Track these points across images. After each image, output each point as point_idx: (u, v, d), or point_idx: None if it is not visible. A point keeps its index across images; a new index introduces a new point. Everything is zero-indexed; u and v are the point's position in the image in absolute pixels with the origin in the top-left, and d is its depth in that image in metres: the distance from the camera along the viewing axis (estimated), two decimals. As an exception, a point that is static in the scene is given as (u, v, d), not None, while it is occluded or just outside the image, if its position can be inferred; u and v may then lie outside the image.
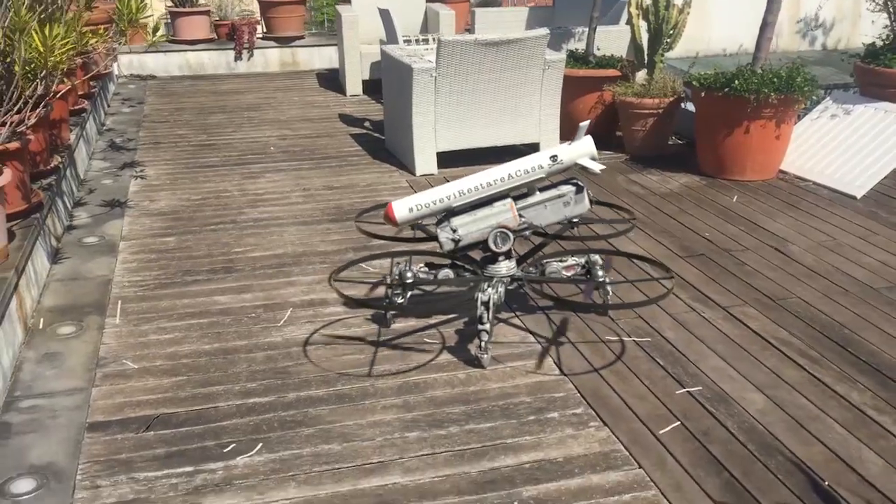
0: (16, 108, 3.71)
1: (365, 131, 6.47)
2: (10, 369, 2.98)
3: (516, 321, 3.38)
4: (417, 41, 6.82)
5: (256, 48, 8.75)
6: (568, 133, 5.77)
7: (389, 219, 3.14)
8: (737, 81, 4.82)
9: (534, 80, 5.35)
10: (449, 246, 3.15)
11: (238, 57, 8.69)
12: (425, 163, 5.32)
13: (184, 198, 4.95)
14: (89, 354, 3.13)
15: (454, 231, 3.13)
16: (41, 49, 3.33)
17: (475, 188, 3.13)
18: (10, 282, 3.16)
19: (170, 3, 8.71)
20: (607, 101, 5.71)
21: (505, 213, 3.14)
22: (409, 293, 3.22)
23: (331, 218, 4.59)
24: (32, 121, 3.79)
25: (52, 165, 4.53)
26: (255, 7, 9.00)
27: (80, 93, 5.99)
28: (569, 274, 3.30)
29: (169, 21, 8.75)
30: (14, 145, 3.66)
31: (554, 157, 3.15)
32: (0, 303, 2.99)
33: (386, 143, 5.96)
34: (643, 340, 3.20)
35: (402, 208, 3.12)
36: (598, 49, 5.98)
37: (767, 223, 4.43)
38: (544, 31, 5.29)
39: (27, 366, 3.05)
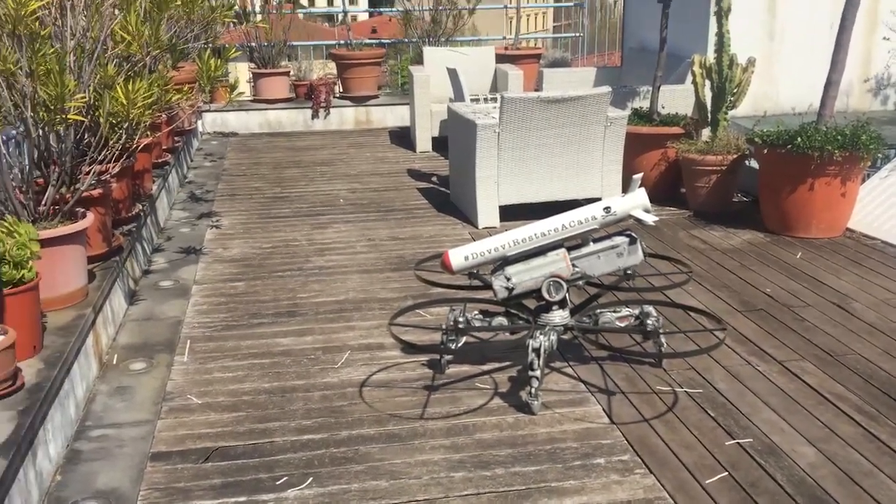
0: (101, 158, 3.97)
1: (431, 186, 6.64)
2: (83, 401, 3.16)
3: (569, 370, 3.42)
4: (485, 99, 7.00)
5: (333, 107, 9.08)
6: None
7: (446, 266, 3.24)
8: (800, 139, 4.81)
9: (596, 136, 5.43)
10: (503, 294, 3.22)
11: (315, 115, 9.03)
12: (488, 216, 5.43)
13: (255, 246, 5.16)
14: (157, 389, 3.29)
15: (508, 279, 3.20)
16: (124, 102, 3.58)
17: (529, 238, 3.21)
18: (87, 319, 3.36)
19: (253, 65, 9.16)
20: (671, 158, 5.75)
21: (558, 262, 3.20)
22: (463, 339, 3.31)
23: (393, 267, 4.72)
24: (116, 170, 4.04)
25: (133, 213, 4.80)
26: (333, 68, 9.38)
27: (164, 146, 6.33)
28: (622, 325, 3.34)
29: (252, 82, 9.20)
30: (97, 192, 3.92)
31: (607, 209, 3.21)
32: (77, 339, 3.18)
33: (451, 197, 6.10)
34: (695, 392, 3.19)
35: (458, 256, 3.22)
36: (663, 107, 6.05)
37: (831, 280, 4.36)
38: (606, 88, 5.39)
39: (99, 398, 3.22)
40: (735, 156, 5.43)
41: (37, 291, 3.03)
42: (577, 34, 10.78)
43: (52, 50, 3.28)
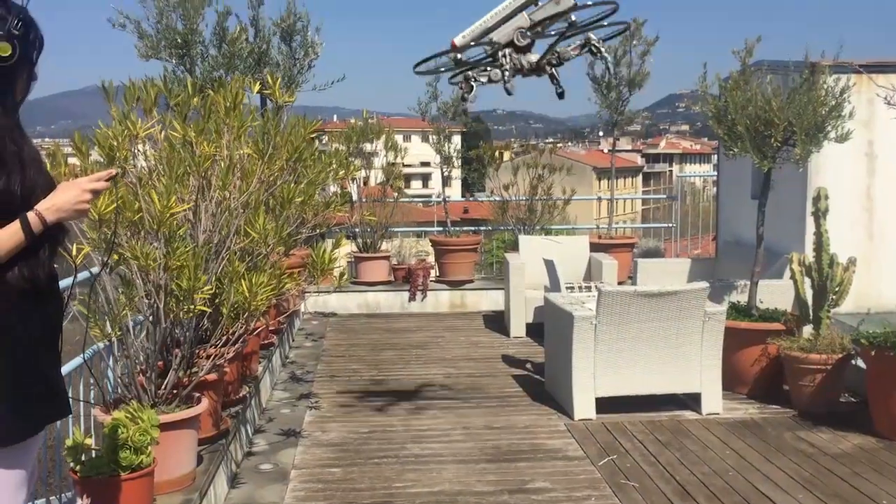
0: (218, 344, 4.20)
1: (526, 373, 6.67)
2: (183, 588, 3.19)
3: None
4: (580, 288, 7.13)
5: (429, 290, 9.37)
6: (731, 383, 5.73)
7: (453, 46, 4.22)
8: (909, 340, 4.69)
9: (694, 331, 5.43)
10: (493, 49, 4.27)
11: (412, 298, 9.32)
12: (584, 407, 5.40)
13: (352, 430, 5.24)
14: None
15: (492, 39, 4.23)
16: (247, 295, 3.84)
17: (503, 8, 4.23)
18: None
19: (355, 249, 9.61)
20: (772, 354, 5.67)
21: (519, 20, 4.22)
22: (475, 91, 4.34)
23: (488, 458, 4.70)
24: (230, 355, 4.26)
25: (240, 395, 4.98)
26: (425, 244, 9.76)
27: (270, 328, 6.62)
28: (575, 53, 4.39)
29: (352, 263, 9.63)
30: (212, 377, 4.12)
31: None
32: (184, 522, 3.26)
33: (546, 386, 6.11)
34: None
35: (458, 38, 4.22)
36: (761, 302, 6.03)
37: (954, 494, 4.11)
38: (704, 284, 5.44)
39: (199, 586, 3.25)
40: (840, 355, 5.31)
41: (152, 477, 3.16)
42: (670, 224, 10.96)
43: (187, 248, 3.58)
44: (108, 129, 3.83)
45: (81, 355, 3.60)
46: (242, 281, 3.81)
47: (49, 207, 2.18)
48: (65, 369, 3.65)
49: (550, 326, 6.06)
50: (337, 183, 7.10)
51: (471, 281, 9.52)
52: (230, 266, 3.90)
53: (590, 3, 4.20)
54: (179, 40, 7.17)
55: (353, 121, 10.04)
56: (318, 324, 8.78)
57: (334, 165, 6.12)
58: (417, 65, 4.49)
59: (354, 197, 9.53)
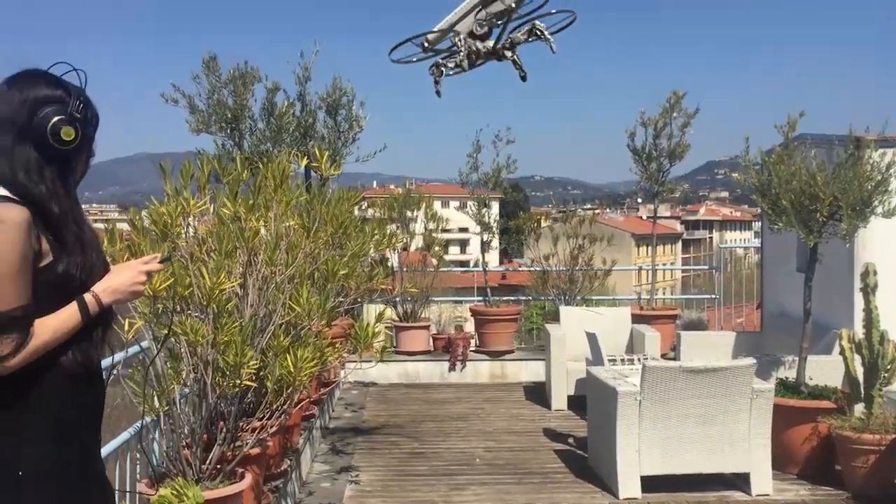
0: (262, 417, 4.22)
1: (568, 447, 6.56)
2: None
3: None
4: (623, 361, 7.05)
5: (469, 360, 9.32)
6: (780, 463, 5.58)
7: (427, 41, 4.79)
8: (967, 422, 4.55)
9: (742, 408, 5.32)
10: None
11: (452, 368, 9.28)
12: (629, 486, 5.28)
13: (393, 506, 5.18)
14: None
15: (458, 31, 4.67)
16: (292, 369, 3.86)
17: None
18: (236, 581, 3.42)
19: (394, 317, 9.64)
20: (822, 433, 5.52)
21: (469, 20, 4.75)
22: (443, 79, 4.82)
23: (532, 539, 4.60)
24: (274, 428, 4.26)
25: (282, 468, 4.97)
26: (463, 311, 9.74)
27: (311, 399, 6.62)
28: (524, 37, 4.79)
29: (392, 332, 9.64)
30: (255, 451, 4.12)
31: None
32: None
33: (589, 461, 6.00)
34: None
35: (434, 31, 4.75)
36: (810, 379, 5.90)
37: None
38: (751, 360, 5.35)
39: None
40: (894, 435, 5.16)
41: (196, 554, 3.14)
42: (714, 296, 10.84)
43: (235, 323, 3.63)
44: (161, 205, 3.93)
45: (129, 430, 3.63)
46: (287, 356, 3.84)
47: (105, 289, 2.20)
48: (113, 443, 3.70)
49: (593, 401, 5.98)
50: (378, 252, 7.17)
51: (511, 351, 9.46)
52: (275, 340, 3.94)
53: (553, 11, 4.84)
54: (229, 115, 7.39)
55: (393, 187, 10.21)
56: (357, 393, 8.76)
57: (377, 237, 6.19)
58: (392, 51, 4.98)
59: (393, 263, 9.61)
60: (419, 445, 6.67)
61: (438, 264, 9.72)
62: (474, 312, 9.62)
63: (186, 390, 4.12)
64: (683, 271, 33.23)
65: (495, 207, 12.38)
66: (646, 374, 5.28)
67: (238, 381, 3.69)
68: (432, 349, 9.57)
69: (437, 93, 4.96)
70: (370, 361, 4.86)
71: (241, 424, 4.19)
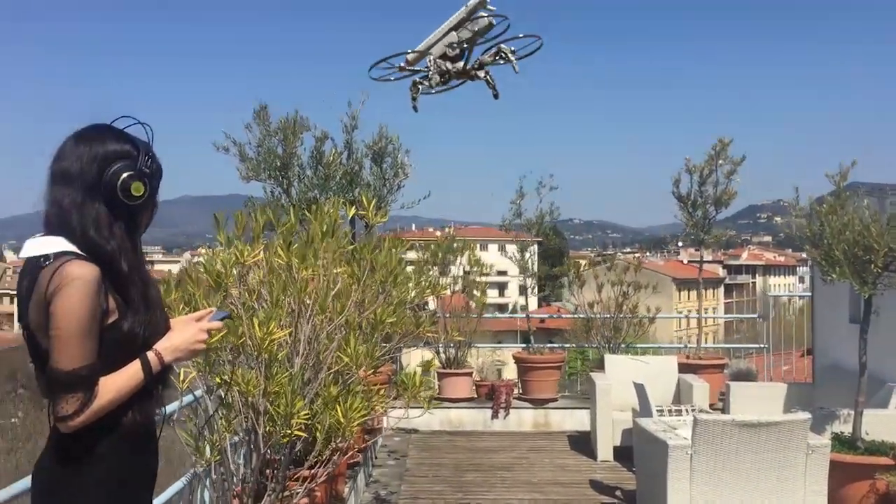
0: (311, 466, 4.21)
1: (616, 501, 6.44)
2: None
3: None
4: (670, 411, 6.93)
5: (512, 408, 9.24)
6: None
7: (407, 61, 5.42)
8: None
9: (797, 464, 5.18)
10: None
11: (495, 415, 9.20)
12: (680, 543, 5.15)
13: (438, 559, 5.11)
14: None
15: (431, 55, 5.26)
16: (341, 419, 3.86)
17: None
18: None
19: (438, 364, 9.60)
20: (881, 491, 5.35)
21: (451, 37, 5.28)
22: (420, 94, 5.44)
23: None
24: (322, 478, 4.25)
25: (328, 518, 4.94)
26: (501, 354, 9.68)
27: (356, 447, 6.60)
28: (491, 58, 5.33)
29: (434, 379, 9.60)
30: (304, 501, 4.11)
31: None
32: None
33: (638, 517, 5.88)
34: None
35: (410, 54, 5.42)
36: (867, 433, 5.74)
37: None
38: (806, 415, 5.23)
39: None
40: (958, 495, 4.98)
41: None
42: (762, 345, 10.64)
43: (285, 373, 3.65)
44: (216, 254, 4.00)
45: (182, 479, 3.65)
46: (338, 406, 3.85)
47: (167, 348, 2.19)
48: (165, 494, 3.71)
49: (641, 453, 5.87)
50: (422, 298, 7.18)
51: (554, 399, 9.36)
52: (325, 390, 3.94)
53: (520, 35, 5.33)
54: (279, 163, 7.52)
55: (431, 230, 10.26)
56: (400, 440, 8.71)
57: (423, 284, 6.21)
58: (371, 68, 5.51)
59: (432, 306, 9.59)
60: (463, 496, 6.59)
61: (481, 310, 9.69)
62: (517, 359, 9.55)
63: (236, 439, 4.15)
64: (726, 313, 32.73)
65: (534, 250, 12.35)
66: (697, 428, 5.18)
67: (289, 431, 3.70)
68: (475, 396, 9.50)
69: (414, 108, 5.45)
70: (419, 409, 4.84)
71: (288, 473, 4.19)
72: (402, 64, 5.37)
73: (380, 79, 5.48)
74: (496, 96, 5.44)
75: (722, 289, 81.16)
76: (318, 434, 4.06)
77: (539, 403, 9.31)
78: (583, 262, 12.61)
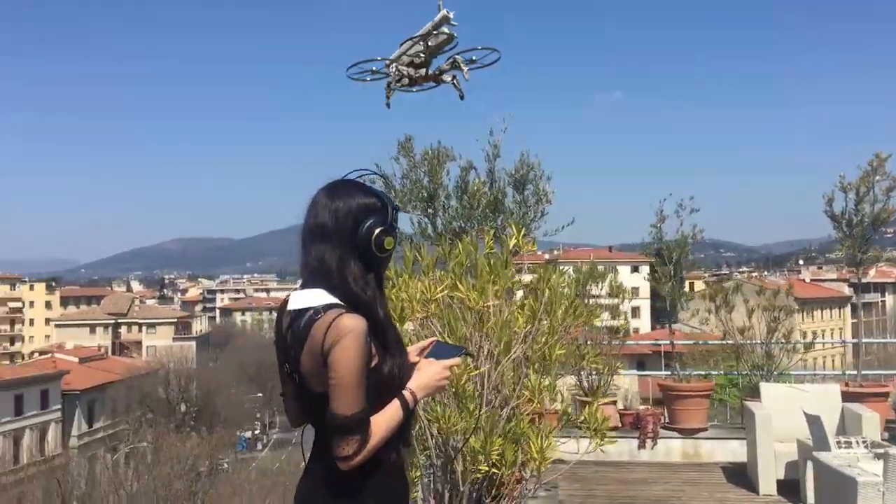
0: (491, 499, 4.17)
1: (789, 539, 6.12)
2: None
3: None
4: (839, 444, 6.56)
5: (659, 437, 8.97)
6: None
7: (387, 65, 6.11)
8: None
9: None
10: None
11: (641, 445, 8.95)
12: (876, 587, 4.84)
13: None
14: None
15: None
16: (535, 454, 3.82)
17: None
18: None
19: (578, 393, 9.44)
20: None
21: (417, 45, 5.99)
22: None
23: None
24: (506, 514, 4.20)
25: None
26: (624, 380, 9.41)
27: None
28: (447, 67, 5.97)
29: (574, 406, 9.43)
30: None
31: None
32: None
33: (819, 557, 5.56)
34: None
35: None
36: None
37: None
38: None
39: None
40: None
41: None
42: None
43: (481, 409, 3.64)
44: (401, 290, 4.04)
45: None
46: (531, 441, 3.80)
47: (419, 386, 2.29)
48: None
49: (824, 489, 5.58)
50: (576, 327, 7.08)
51: (704, 429, 9.03)
52: (515, 425, 3.91)
53: (479, 46, 5.96)
54: (425, 193, 7.60)
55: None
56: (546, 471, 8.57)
57: (579, 313, 6.13)
58: (349, 68, 6.12)
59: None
60: (626, 530, 6.41)
61: (624, 336, 9.48)
62: (663, 388, 9.28)
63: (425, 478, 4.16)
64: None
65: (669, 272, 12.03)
66: (890, 464, 4.87)
67: (485, 468, 3.67)
68: (620, 425, 9.27)
69: (387, 105, 6.11)
70: (600, 443, 4.74)
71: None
72: (375, 68, 6.11)
73: (356, 79, 6.21)
74: (462, 97, 6.08)
75: (848, 308, 77.24)
76: (503, 470, 4.03)
77: (687, 433, 9.00)
78: (697, 282, 12.20)
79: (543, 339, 4.45)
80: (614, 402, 9.33)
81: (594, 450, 6.82)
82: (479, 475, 3.78)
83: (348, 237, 2.22)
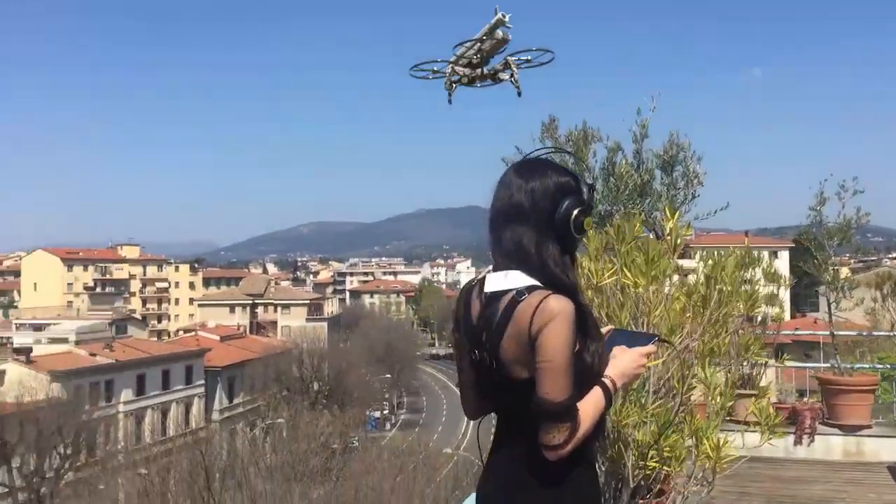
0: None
1: (977, 550, 5.61)
2: None
3: None
4: None
5: (817, 434, 8.45)
6: None
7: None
8: None
9: None
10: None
11: (798, 442, 8.46)
12: None
13: None
14: None
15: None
16: (710, 452, 3.60)
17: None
18: None
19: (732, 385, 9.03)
20: None
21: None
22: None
23: None
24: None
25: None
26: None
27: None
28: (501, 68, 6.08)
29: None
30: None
31: None
32: None
33: None
34: None
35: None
36: None
37: None
38: None
39: None
40: None
41: None
42: None
43: (658, 405, 3.45)
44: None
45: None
46: (707, 437, 3.58)
47: (618, 374, 2.17)
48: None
49: None
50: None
51: (868, 426, 8.44)
52: (690, 421, 3.70)
53: (534, 47, 6.08)
54: (571, 176, 7.39)
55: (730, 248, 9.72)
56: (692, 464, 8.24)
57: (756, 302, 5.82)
58: (412, 69, 6.26)
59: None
60: (789, 533, 6.05)
61: (779, 326, 8.99)
62: (822, 381, 8.74)
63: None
64: None
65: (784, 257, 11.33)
66: None
67: (655, 464, 3.49)
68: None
69: (449, 101, 6.22)
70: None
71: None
72: (436, 69, 6.29)
73: (420, 77, 6.41)
74: (519, 94, 6.17)
75: None
76: (672, 466, 3.83)
77: (849, 430, 8.44)
78: (843, 269, 11.46)
79: (713, 330, 4.21)
80: (766, 395, 8.86)
81: (762, 444, 6.49)
82: (648, 472, 3.60)
83: (546, 218, 2.11)
